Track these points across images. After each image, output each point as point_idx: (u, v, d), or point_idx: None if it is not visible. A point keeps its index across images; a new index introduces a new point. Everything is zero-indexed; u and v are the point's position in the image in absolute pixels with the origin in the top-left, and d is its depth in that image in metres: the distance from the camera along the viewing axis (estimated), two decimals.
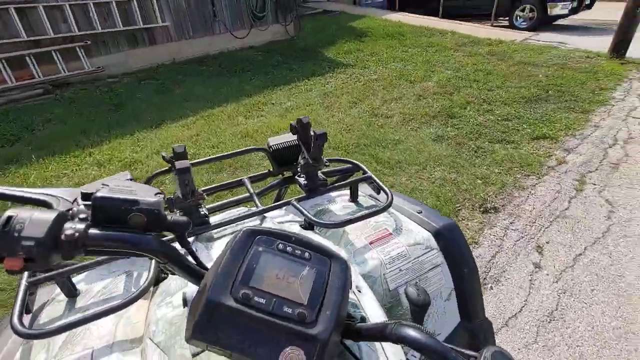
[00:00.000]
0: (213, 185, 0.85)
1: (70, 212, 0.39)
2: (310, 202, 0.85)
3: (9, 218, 0.35)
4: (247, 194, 0.84)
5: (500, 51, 7.21)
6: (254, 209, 0.77)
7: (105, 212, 0.38)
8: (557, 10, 9.03)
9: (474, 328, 0.77)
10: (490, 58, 6.81)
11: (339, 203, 0.87)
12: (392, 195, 0.79)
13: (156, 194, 0.41)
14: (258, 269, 0.42)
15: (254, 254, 0.43)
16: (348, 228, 0.77)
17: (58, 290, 0.63)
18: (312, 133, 0.78)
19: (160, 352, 0.49)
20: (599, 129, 4.05)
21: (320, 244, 0.48)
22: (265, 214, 0.78)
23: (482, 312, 0.80)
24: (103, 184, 0.40)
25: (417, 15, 10.99)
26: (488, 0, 9.88)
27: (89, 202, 0.39)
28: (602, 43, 7.68)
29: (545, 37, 8.48)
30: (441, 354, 0.36)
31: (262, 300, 0.39)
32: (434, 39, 8.26)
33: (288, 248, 0.44)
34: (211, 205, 0.81)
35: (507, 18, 9.88)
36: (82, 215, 0.39)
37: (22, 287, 0.55)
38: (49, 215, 0.36)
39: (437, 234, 0.78)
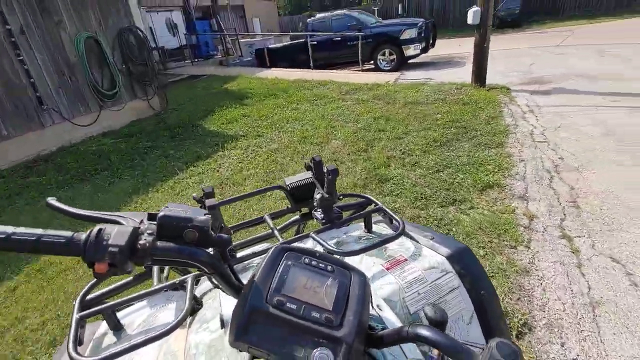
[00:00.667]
0: (238, 223, 0.91)
1: (140, 228, 0.47)
2: (327, 234, 0.88)
3: (100, 230, 0.44)
4: (269, 231, 0.88)
5: (383, 94, 7.27)
6: (276, 243, 0.72)
7: (166, 228, 0.47)
8: (410, 51, 10.00)
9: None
10: (378, 102, 6.73)
11: (354, 234, 0.91)
12: (403, 223, 0.82)
13: (205, 214, 0.48)
14: (289, 279, 0.48)
15: (284, 266, 0.49)
16: (365, 256, 0.79)
17: (105, 325, 0.69)
18: (325, 170, 0.84)
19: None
20: (526, 162, 3.90)
21: (341, 259, 0.54)
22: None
23: (507, 335, 0.81)
24: (165, 206, 0.48)
25: (290, 70, 10.88)
26: (352, 50, 10.40)
27: (154, 222, 0.48)
28: (457, 74, 8.61)
29: (411, 76, 9.13)
30: (452, 347, 0.40)
31: (294, 306, 0.45)
32: (317, 90, 8.00)
33: (313, 262, 0.50)
34: (237, 242, 0.86)
35: (372, 62, 10.52)
36: (149, 231, 0.47)
37: (74, 320, 0.61)
38: (128, 229, 0.45)
39: (451, 258, 0.79)
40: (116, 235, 0.43)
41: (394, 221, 0.87)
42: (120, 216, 0.51)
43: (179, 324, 0.57)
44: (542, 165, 3.77)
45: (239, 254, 0.81)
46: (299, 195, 0.96)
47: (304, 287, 0.47)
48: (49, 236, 0.43)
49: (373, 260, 0.79)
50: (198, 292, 0.75)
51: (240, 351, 0.47)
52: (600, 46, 9.65)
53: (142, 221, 0.50)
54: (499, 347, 0.36)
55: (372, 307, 0.61)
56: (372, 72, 10.07)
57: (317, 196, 0.88)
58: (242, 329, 0.44)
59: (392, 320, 0.61)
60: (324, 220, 0.88)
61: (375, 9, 16.60)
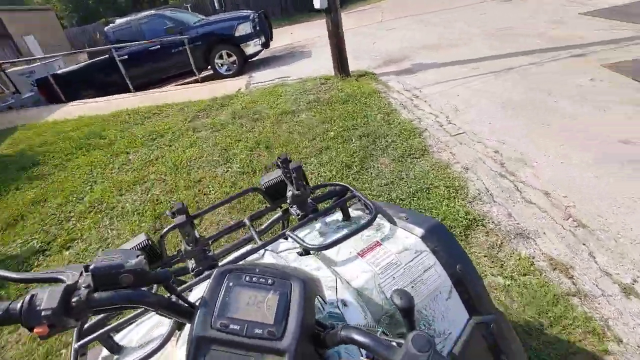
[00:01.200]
0: (217, 233, 0.92)
1: (77, 283, 0.48)
2: (307, 228, 0.89)
3: (32, 296, 0.45)
4: (251, 234, 0.90)
5: (241, 109, 5.73)
6: (255, 245, 0.82)
7: (100, 278, 0.47)
8: (251, 49, 8.59)
9: (486, 321, 0.75)
10: (243, 123, 5.17)
11: (333, 224, 0.91)
12: (375, 208, 0.83)
13: (137, 256, 0.49)
14: (231, 301, 0.50)
15: (226, 289, 0.51)
16: (342, 246, 0.79)
17: (105, 351, 0.74)
18: (290, 167, 0.87)
19: None
20: (469, 169, 3.09)
21: (281, 270, 0.55)
22: (267, 247, 0.83)
23: (490, 305, 0.80)
24: (97, 256, 0.49)
25: (101, 99, 7.99)
26: (180, 58, 8.28)
27: (88, 272, 0.48)
28: (310, 66, 7.73)
29: (262, 77, 7.78)
30: (374, 346, 0.44)
31: (237, 327, 0.47)
32: (152, 123, 5.78)
33: (254, 279, 0.52)
34: (219, 251, 0.89)
35: (210, 68, 8.68)
36: (85, 284, 0.47)
37: (74, 351, 0.67)
38: (59, 289, 0.46)
39: (425, 236, 0.79)
40: (48, 298, 0.45)
41: (368, 206, 0.85)
42: (59, 272, 0.52)
43: (165, 343, 0.65)
44: (490, 168, 3.05)
45: (221, 262, 0.87)
46: (275, 193, 0.96)
47: (246, 305, 0.49)
48: None
49: (349, 249, 0.79)
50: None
51: None
52: (419, 16, 10.34)
53: (81, 274, 0.50)
54: (414, 340, 0.41)
55: (331, 305, 0.65)
56: (214, 80, 8.25)
57: (289, 193, 0.89)
58: (193, 358, 0.45)
59: (356, 315, 0.67)
60: (299, 216, 0.89)
61: (188, 5, 14.35)
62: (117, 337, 0.76)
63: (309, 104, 5.37)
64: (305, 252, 0.82)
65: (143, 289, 0.49)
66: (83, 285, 0.47)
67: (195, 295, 0.77)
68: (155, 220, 3.15)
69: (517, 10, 8.45)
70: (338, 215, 0.94)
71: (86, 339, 0.69)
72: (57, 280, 0.49)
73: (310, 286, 0.53)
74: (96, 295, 0.47)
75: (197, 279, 0.76)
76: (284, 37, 12.29)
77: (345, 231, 0.83)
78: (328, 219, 0.95)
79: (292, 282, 0.52)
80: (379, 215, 0.87)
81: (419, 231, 0.80)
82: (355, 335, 0.46)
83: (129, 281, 0.48)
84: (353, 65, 6.56)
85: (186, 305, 0.54)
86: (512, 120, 3.75)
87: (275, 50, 10.46)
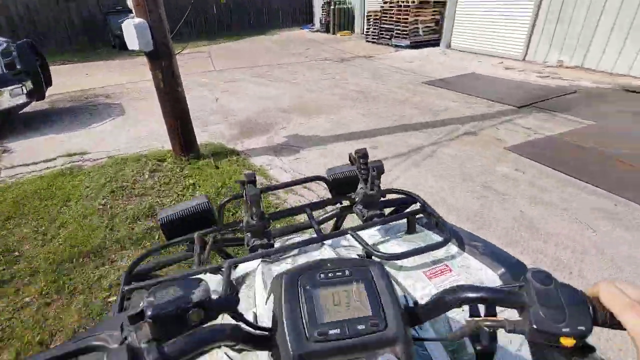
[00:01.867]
0: (278, 210, 0.88)
1: (130, 343, 0.37)
2: (366, 232, 0.85)
3: None
4: (307, 221, 0.84)
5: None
6: (314, 235, 0.78)
7: (165, 323, 0.37)
8: (4, 101, 5.00)
9: None
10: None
11: (395, 235, 0.86)
12: (451, 230, 0.75)
13: (200, 282, 0.41)
14: (316, 305, 0.43)
15: (305, 293, 0.44)
16: (406, 261, 0.74)
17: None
18: (368, 164, 0.80)
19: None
20: None
21: (351, 257, 0.58)
22: (324, 242, 0.78)
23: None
24: (144, 299, 0.38)
25: None
26: None
27: (138, 321, 0.37)
28: (125, 131, 5.01)
29: (29, 154, 4.46)
30: (497, 295, 0.41)
31: (337, 330, 0.41)
32: None
33: (329, 274, 0.46)
34: (276, 231, 0.85)
35: None
36: (144, 340, 0.36)
37: (121, 292, 0.68)
38: (120, 352, 0.34)
39: (503, 275, 0.70)
40: None
41: (439, 225, 0.79)
42: (91, 336, 0.42)
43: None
44: None
45: (275, 244, 0.78)
46: (340, 188, 0.93)
47: (334, 304, 0.44)
48: None
49: (415, 266, 0.73)
50: (235, 277, 0.74)
51: None
52: (254, 69, 9.05)
53: (122, 326, 0.40)
54: (534, 276, 0.40)
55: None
56: None
57: (360, 191, 0.84)
58: None
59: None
60: (364, 217, 0.83)
61: None
62: None
63: (134, 228, 2.80)
64: (367, 255, 0.74)
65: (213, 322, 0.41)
66: (144, 342, 0.36)
67: (241, 270, 0.75)
68: None
69: (356, 71, 8.28)
70: (401, 226, 0.87)
71: (134, 285, 0.67)
72: (94, 349, 0.39)
73: (384, 268, 0.49)
74: (167, 349, 0.36)
75: (252, 254, 0.70)
76: (74, 80, 8.58)
77: (412, 245, 0.76)
78: (391, 227, 0.89)
79: (369, 267, 0.48)
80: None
81: (498, 268, 0.70)
82: (469, 293, 0.43)
83: (199, 317, 0.38)
84: (199, 134, 4.34)
85: (257, 330, 0.46)
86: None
87: (56, 101, 6.86)
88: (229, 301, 0.44)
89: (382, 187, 0.84)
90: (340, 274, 0.47)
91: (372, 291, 0.45)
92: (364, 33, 12.73)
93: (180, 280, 0.41)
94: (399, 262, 0.74)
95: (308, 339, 0.40)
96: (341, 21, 14.91)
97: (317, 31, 16.58)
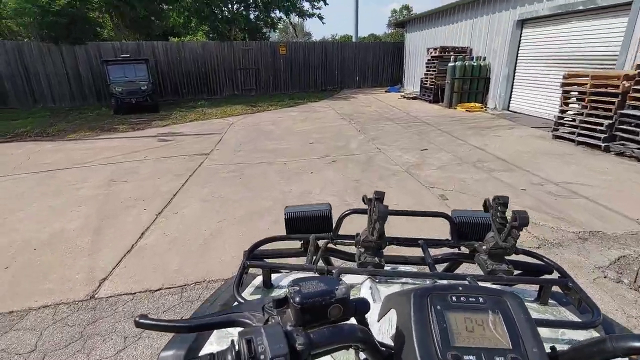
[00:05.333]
0: (393, 236, 0.84)
1: (282, 322, 0.39)
2: (487, 285, 0.70)
3: (249, 341, 0.34)
4: (421, 255, 0.82)
5: None
6: (426, 270, 0.76)
7: (309, 312, 0.38)
8: None
9: None
10: None
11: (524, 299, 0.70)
12: (600, 314, 0.60)
13: (340, 281, 0.40)
14: (448, 326, 0.40)
15: (436, 313, 0.41)
16: None
17: (260, 279, 0.77)
18: (509, 214, 0.70)
19: None
20: None
21: (484, 287, 0.49)
22: (437, 281, 0.73)
23: None
24: (290, 287, 0.39)
25: None
26: None
27: (283, 307, 0.40)
28: None
29: None
30: None
31: (472, 357, 0.37)
32: None
33: (462, 298, 0.43)
34: (387, 254, 0.80)
35: None
36: (290, 323, 0.38)
37: (242, 265, 0.69)
38: (277, 329, 0.35)
39: None
40: (271, 342, 0.33)
41: (583, 305, 0.65)
42: (234, 313, 0.45)
43: None
44: None
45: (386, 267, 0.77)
46: (464, 231, 0.85)
47: (466, 330, 0.40)
48: None
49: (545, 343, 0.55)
50: None
51: None
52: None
53: (263, 309, 0.43)
54: None
55: None
56: None
57: (490, 239, 0.74)
58: None
59: None
60: (489, 269, 0.72)
61: None
62: (272, 277, 0.77)
63: None
64: None
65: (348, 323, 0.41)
66: (289, 324, 0.38)
67: (347, 280, 0.67)
68: None
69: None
70: (530, 294, 0.75)
71: (255, 262, 0.72)
72: (236, 324, 0.42)
73: (524, 304, 0.43)
74: (314, 336, 0.37)
75: (362, 269, 0.71)
76: None
77: (543, 317, 0.65)
78: (517, 291, 0.77)
79: (505, 298, 0.43)
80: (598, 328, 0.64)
81: None
82: (634, 342, 0.36)
83: (338, 314, 0.38)
84: None
85: (381, 344, 0.44)
86: None
87: None
88: (365, 305, 0.42)
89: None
90: (473, 300, 0.43)
91: (511, 324, 0.40)
92: (558, 123, 6.21)
93: (322, 277, 0.41)
94: None
95: (440, 358, 0.37)
96: (464, 86, 8.66)
97: (415, 98, 10.56)
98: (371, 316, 0.49)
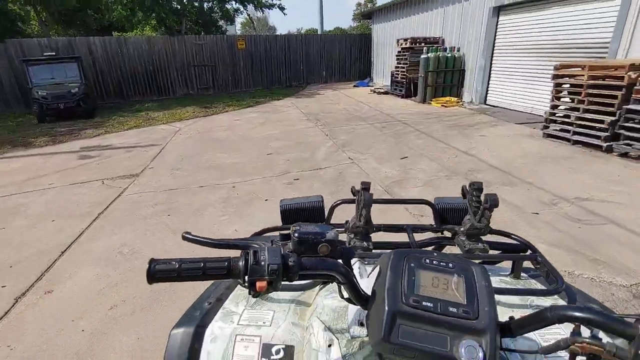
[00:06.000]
0: (379, 224, 0.88)
1: (282, 247, 0.50)
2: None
3: (256, 252, 0.46)
4: (407, 240, 0.86)
5: None
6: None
7: (304, 244, 0.52)
8: None
9: None
10: None
11: (495, 275, 0.80)
12: (564, 282, 0.70)
13: (332, 229, 0.54)
14: (417, 280, 0.48)
15: (409, 269, 0.49)
16: (505, 298, 0.69)
17: None
18: (482, 198, 0.77)
19: (325, 328, 0.59)
20: None
21: (458, 256, 0.54)
22: None
23: None
24: (293, 227, 0.54)
25: None
26: None
27: (286, 240, 0.56)
28: None
29: None
30: (606, 322, 0.39)
31: (430, 304, 0.44)
32: None
33: (434, 262, 0.50)
34: (375, 241, 0.86)
35: None
36: (288, 250, 0.52)
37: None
38: (277, 250, 0.47)
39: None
40: (270, 256, 0.46)
41: (550, 277, 0.73)
42: (251, 240, 0.66)
43: (311, 286, 0.71)
44: None
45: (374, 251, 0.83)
46: (446, 217, 0.92)
47: (432, 285, 0.48)
48: (211, 263, 0.47)
49: (515, 309, 0.68)
50: None
51: (382, 356, 0.49)
52: None
53: (272, 242, 0.61)
54: None
55: None
56: None
57: (467, 222, 0.81)
58: (386, 333, 0.43)
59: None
60: (466, 249, 0.81)
61: None
62: None
63: None
64: None
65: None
66: (288, 250, 0.51)
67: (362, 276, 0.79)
68: None
69: None
70: (505, 270, 0.83)
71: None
72: (248, 248, 0.50)
73: (488, 273, 0.50)
74: (304, 260, 0.48)
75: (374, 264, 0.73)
76: None
77: (513, 287, 0.73)
78: (493, 268, 0.85)
79: (472, 267, 0.50)
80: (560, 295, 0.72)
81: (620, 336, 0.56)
82: (575, 312, 0.42)
83: (326, 251, 0.52)
84: None
85: (361, 289, 0.53)
86: None
87: None
88: (351, 251, 0.58)
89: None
90: (444, 264, 0.49)
91: (471, 287, 0.47)
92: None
93: (319, 224, 0.55)
94: (497, 298, 0.64)
95: (404, 302, 0.45)
96: (438, 80, 8.01)
97: (386, 92, 9.84)
98: (362, 284, 0.54)
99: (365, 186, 0.79)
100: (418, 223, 0.93)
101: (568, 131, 4.41)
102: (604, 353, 0.39)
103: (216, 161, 4.39)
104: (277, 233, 0.74)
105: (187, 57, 11.37)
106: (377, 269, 0.54)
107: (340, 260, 0.52)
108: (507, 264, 0.82)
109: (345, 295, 0.53)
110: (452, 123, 5.93)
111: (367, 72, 13.68)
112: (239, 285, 0.71)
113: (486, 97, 7.57)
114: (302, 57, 13.28)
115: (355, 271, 0.68)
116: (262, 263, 0.45)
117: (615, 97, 3.87)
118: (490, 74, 7.42)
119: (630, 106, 3.75)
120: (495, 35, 7.14)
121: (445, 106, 7.46)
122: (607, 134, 3.97)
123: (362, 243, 0.81)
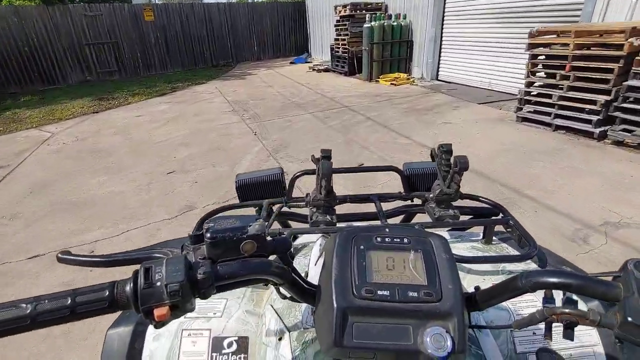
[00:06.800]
0: (343, 194, 0.82)
1: (190, 254, 0.40)
2: (440, 231, 0.79)
3: (147, 270, 0.34)
4: (374, 211, 0.81)
5: None
6: (379, 224, 0.72)
7: (220, 246, 0.39)
8: None
9: None
10: None
11: (467, 242, 0.77)
12: (537, 246, 0.64)
13: (256, 219, 0.42)
14: (367, 265, 0.42)
15: (358, 253, 0.43)
16: (475, 268, 0.66)
17: None
18: (452, 161, 0.72)
19: (277, 316, 0.54)
20: None
21: (413, 228, 0.53)
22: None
23: None
24: (205, 223, 0.41)
25: None
26: None
27: (199, 243, 0.40)
28: None
29: None
30: (585, 284, 0.36)
31: (386, 292, 0.39)
32: None
33: (386, 239, 0.45)
34: (339, 213, 0.80)
35: None
36: (200, 257, 0.39)
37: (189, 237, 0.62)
38: (179, 259, 0.36)
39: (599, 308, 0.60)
40: (168, 270, 0.35)
41: (523, 240, 0.68)
42: (154, 250, 0.51)
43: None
44: None
45: (338, 225, 0.76)
46: (415, 183, 0.87)
47: (386, 268, 0.42)
48: (84, 295, 0.34)
49: (485, 278, 0.65)
50: (293, 247, 0.74)
51: None
52: None
53: (182, 247, 0.44)
54: (637, 266, 0.35)
55: None
56: None
57: (436, 188, 0.76)
58: (337, 336, 0.37)
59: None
60: (437, 216, 0.75)
61: None
62: None
63: None
64: None
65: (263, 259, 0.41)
66: (199, 258, 0.39)
67: (301, 241, 0.76)
68: None
69: None
70: (476, 235, 0.79)
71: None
72: (156, 259, 0.38)
73: (448, 244, 0.45)
74: (219, 267, 0.38)
75: (313, 227, 0.71)
76: None
77: (487, 254, 0.69)
78: (464, 234, 0.81)
79: (430, 239, 0.45)
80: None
81: (587, 299, 0.57)
82: (550, 277, 0.37)
83: (251, 249, 0.40)
84: None
85: (306, 282, 0.46)
86: None
87: None
88: (283, 241, 0.43)
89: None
90: (398, 240, 0.44)
91: (431, 263, 0.42)
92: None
93: (242, 216, 0.42)
94: (467, 267, 0.67)
95: (355, 295, 0.39)
96: (384, 53, 6.98)
97: (326, 70, 8.61)
98: (314, 259, 0.52)
99: (326, 154, 0.71)
100: (384, 192, 0.85)
101: (548, 114, 3.63)
102: (588, 322, 0.35)
103: (85, 193, 2.92)
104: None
105: (77, 33, 9.03)
106: (321, 258, 0.47)
107: (273, 257, 0.42)
108: (478, 229, 0.77)
109: (288, 294, 0.45)
110: (407, 106, 4.96)
111: (305, 47, 12.29)
112: None
113: (438, 72, 6.73)
114: (228, 32, 11.45)
115: (315, 250, 0.62)
116: (158, 283, 0.34)
117: (610, 70, 3.09)
118: (441, 45, 6.54)
119: (630, 82, 2.99)
120: None
121: (395, 84, 6.48)
122: (599, 117, 3.23)
123: (325, 217, 0.73)
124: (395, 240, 0.44)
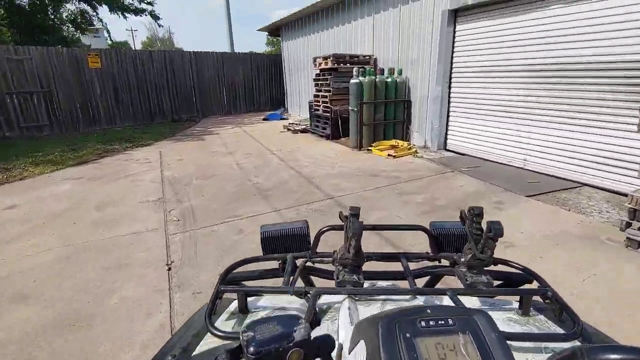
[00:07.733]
0: (371, 252, 0.81)
1: None
2: (468, 299, 0.73)
3: None
4: (401, 270, 0.78)
5: None
6: (406, 287, 0.70)
7: (265, 359, 0.35)
8: None
9: None
10: None
11: (501, 311, 0.71)
12: (582, 323, 0.59)
13: (299, 320, 0.39)
14: (419, 356, 0.38)
15: (406, 342, 0.39)
16: (515, 344, 0.58)
17: (235, 304, 0.72)
18: (484, 225, 0.67)
19: None
20: None
21: (452, 307, 0.49)
22: (417, 296, 0.73)
23: None
24: (243, 333, 0.37)
25: None
26: None
27: (236, 355, 0.38)
28: None
29: None
30: None
31: None
32: None
33: (431, 322, 0.41)
34: (367, 270, 0.77)
35: None
36: None
37: (216, 290, 0.64)
38: None
39: None
40: None
41: (563, 315, 0.63)
42: None
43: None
44: None
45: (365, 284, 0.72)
46: (442, 244, 0.84)
47: (439, 357, 0.38)
48: None
49: (528, 355, 0.58)
50: (318, 307, 0.71)
51: None
52: None
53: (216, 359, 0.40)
54: None
55: None
56: None
57: (467, 252, 0.71)
58: None
59: None
60: (468, 282, 0.70)
61: None
62: (249, 300, 0.74)
63: None
64: None
65: None
66: None
67: (325, 301, 0.74)
68: None
69: None
70: (511, 305, 0.74)
71: (230, 287, 0.68)
72: None
73: (494, 321, 0.42)
74: None
75: (340, 288, 0.68)
76: None
77: (525, 329, 0.64)
78: (497, 302, 0.75)
79: (475, 317, 0.42)
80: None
81: None
82: (612, 354, 0.35)
83: (298, 357, 0.36)
84: None
85: None
86: None
87: None
88: (329, 342, 0.42)
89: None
90: (443, 322, 0.41)
91: (481, 344, 0.39)
92: None
93: (280, 317, 0.40)
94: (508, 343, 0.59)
95: None
96: (377, 115, 5.53)
97: (304, 130, 7.11)
98: (347, 343, 0.49)
99: (355, 212, 0.69)
100: (412, 252, 0.84)
101: None
102: None
103: None
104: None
105: None
106: (359, 347, 0.43)
107: None
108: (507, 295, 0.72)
109: None
110: (423, 199, 3.33)
111: (282, 101, 10.99)
112: (208, 333, 0.57)
113: (446, 140, 5.29)
114: (193, 82, 10.02)
115: (344, 314, 0.61)
116: None
117: None
118: (449, 107, 5.17)
119: None
120: (452, 52, 4.93)
121: (394, 156, 4.95)
122: None
123: (351, 276, 0.69)
124: (440, 322, 0.41)
